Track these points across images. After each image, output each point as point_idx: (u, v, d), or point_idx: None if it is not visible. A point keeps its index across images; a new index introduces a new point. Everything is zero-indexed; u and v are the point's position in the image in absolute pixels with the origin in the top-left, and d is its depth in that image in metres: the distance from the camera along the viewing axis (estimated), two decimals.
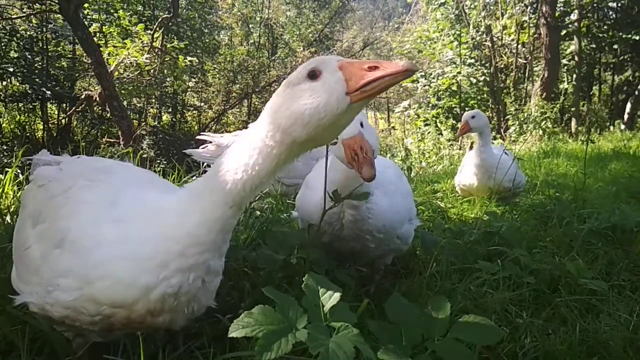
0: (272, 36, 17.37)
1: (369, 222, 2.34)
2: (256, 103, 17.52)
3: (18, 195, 3.75)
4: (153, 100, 14.65)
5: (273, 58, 16.89)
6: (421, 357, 1.45)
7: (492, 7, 11.73)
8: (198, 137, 4.56)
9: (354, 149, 2.06)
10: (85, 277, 1.49)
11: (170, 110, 16.54)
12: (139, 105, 12.78)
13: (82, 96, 8.04)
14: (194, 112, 17.52)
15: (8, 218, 3.22)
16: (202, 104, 16.97)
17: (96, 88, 13.81)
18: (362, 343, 1.38)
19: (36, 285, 1.56)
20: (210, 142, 4.41)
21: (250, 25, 17.22)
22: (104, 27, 13.33)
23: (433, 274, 2.60)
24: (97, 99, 6.46)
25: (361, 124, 2.15)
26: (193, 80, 15.57)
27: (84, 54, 14.43)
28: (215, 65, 15.69)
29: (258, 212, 3.56)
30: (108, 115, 12.80)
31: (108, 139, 7.19)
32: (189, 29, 14.95)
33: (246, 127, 4.78)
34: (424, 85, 12.17)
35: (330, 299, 1.49)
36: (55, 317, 1.55)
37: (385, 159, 2.82)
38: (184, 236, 1.45)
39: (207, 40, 15.71)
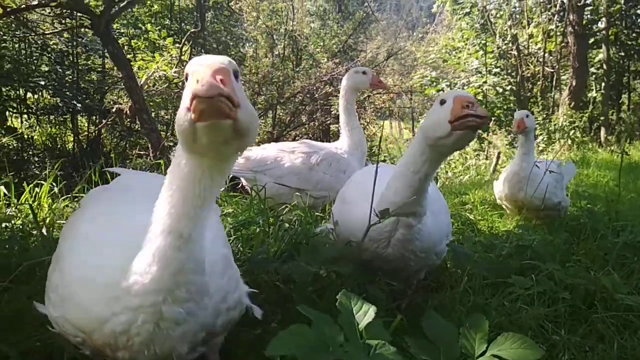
0: (296, 48, 17.48)
1: (416, 243, 2.33)
2: (280, 114, 17.61)
3: (53, 207, 3.84)
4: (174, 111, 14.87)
5: (297, 69, 16.98)
6: None
7: (518, 16, 11.63)
8: None
9: (468, 102, 1.97)
10: (61, 296, 1.54)
11: None
12: (166, 117, 13.00)
13: (113, 109, 8.20)
14: None
15: (44, 230, 3.29)
16: None
17: (125, 101, 14.08)
18: None
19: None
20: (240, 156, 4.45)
21: (275, 37, 17.36)
22: (132, 40, 13.61)
23: (465, 289, 2.58)
24: (128, 111, 6.59)
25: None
26: None
27: (114, 68, 14.77)
28: (240, 77, 15.84)
29: (287, 225, 3.57)
30: (137, 127, 13.05)
31: (138, 152, 7.32)
32: (214, 42, 15.14)
33: (272, 138, 4.84)
34: None
35: (365, 316, 1.50)
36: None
37: None
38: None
39: (232, 53, 15.90)
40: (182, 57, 7.76)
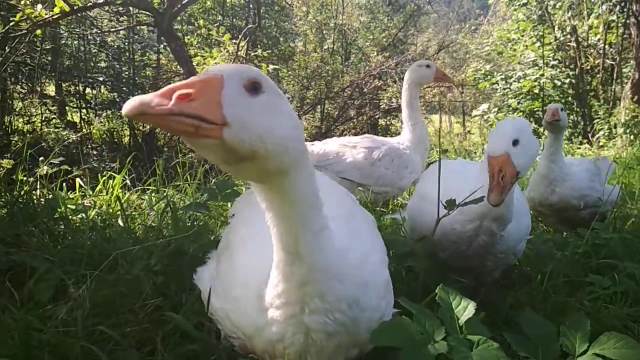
0: (345, 42, 17.45)
1: (497, 247, 2.32)
2: (329, 109, 17.62)
3: (126, 198, 4.00)
4: None
5: (346, 64, 16.96)
6: None
7: (577, 7, 11.25)
8: None
9: (494, 169, 2.04)
10: (225, 291, 1.59)
11: None
12: None
13: None
14: None
15: (120, 221, 3.44)
16: None
17: None
18: (504, 357, 1.38)
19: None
20: None
21: (324, 32, 17.38)
22: (185, 37, 13.91)
23: (541, 287, 2.54)
24: None
25: (515, 142, 2.09)
26: None
27: (168, 63, 15.18)
28: (290, 72, 15.99)
29: None
30: None
31: None
32: (264, 37, 15.30)
33: (320, 133, 4.87)
34: (504, 88, 11.84)
35: (464, 311, 1.51)
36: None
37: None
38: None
39: (282, 48, 16.03)
40: (239, 53, 7.89)
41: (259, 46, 12.13)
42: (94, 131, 16.13)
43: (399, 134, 4.70)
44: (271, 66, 9.27)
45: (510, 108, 11.71)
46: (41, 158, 4.31)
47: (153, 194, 4.26)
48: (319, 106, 16.99)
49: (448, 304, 1.50)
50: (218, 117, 1.06)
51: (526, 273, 2.99)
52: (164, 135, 16.04)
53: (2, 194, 3.71)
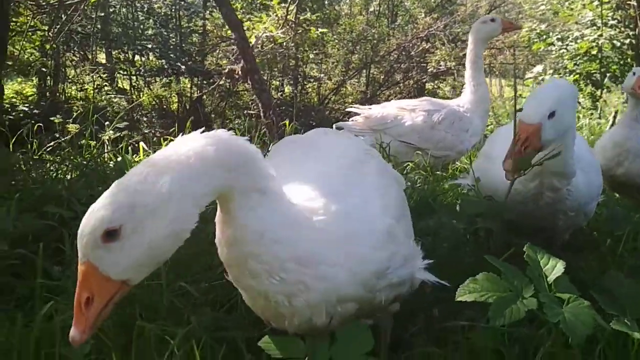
0: (392, 3, 17.06)
1: (566, 203, 2.29)
2: (374, 73, 17.39)
3: None
4: (275, 73, 15.08)
5: (393, 26, 16.62)
6: None
7: None
8: (348, 109, 4.67)
9: (521, 136, 2.00)
10: None
11: (291, 82, 16.98)
12: (279, 77, 13.35)
13: (225, 70, 8.50)
14: (314, 83, 17.82)
15: None
16: (322, 75, 17.18)
17: (224, 62, 14.47)
18: (596, 314, 1.38)
19: None
20: (359, 115, 4.50)
21: None
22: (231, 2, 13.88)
23: (617, 251, 2.50)
24: (239, 72, 6.82)
25: (552, 114, 2.04)
26: (314, 51, 15.81)
27: (214, 30, 15.22)
28: (335, 36, 15.80)
29: (408, 183, 3.61)
30: (235, 89, 13.43)
31: (248, 111, 7.58)
32: (309, 1, 15.11)
33: (365, 98, 4.84)
34: (560, 49, 11.37)
35: (553, 270, 1.51)
36: None
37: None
38: None
39: (327, 11, 15.81)
40: (288, 17, 7.85)
41: (305, 10, 11.98)
42: (143, 98, 16.48)
43: (448, 98, 4.66)
44: (320, 30, 9.18)
45: (567, 70, 11.27)
46: (107, 123, 4.46)
47: None
48: (364, 70, 16.79)
49: (536, 262, 1.50)
50: (112, 294, 1.25)
51: (595, 238, 2.95)
52: (211, 102, 16.26)
53: (73, 157, 3.87)
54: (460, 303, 2.07)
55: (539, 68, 11.71)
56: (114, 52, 15.75)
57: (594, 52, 10.85)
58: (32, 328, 1.82)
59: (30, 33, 8.40)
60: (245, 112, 8.05)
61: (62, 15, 7.36)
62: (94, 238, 1.19)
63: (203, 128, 1.39)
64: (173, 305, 2.09)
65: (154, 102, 16.34)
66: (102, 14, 14.19)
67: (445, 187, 3.59)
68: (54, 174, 3.43)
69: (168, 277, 2.20)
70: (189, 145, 1.29)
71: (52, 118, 4.70)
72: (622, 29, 10.84)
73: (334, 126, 4.50)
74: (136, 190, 1.21)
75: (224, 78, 8.80)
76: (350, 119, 4.53)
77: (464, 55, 14.92)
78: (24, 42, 8.57)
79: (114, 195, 1.22)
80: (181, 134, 1.43)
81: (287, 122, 4.52)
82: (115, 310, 1.95)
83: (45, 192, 3.03)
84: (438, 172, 4.20)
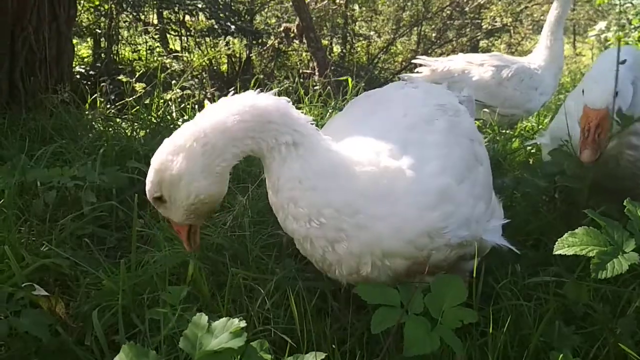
0: None
1: None
2: (426, 30, 16.93)
3: None
4: (325, 32, 14.90)
5: None
6: None
7: None
8: (413, 60, 4.60)
9: (590, 123, 1.93)
10: None
11: (340, 41, 16.76)
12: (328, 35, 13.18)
13: (281, 28, 8.47)
14: (363, 42, 17.55)
15: None
16: (372, 33, 16.86)
17: (273, 22, 14.40)
18: None
19: None
20: (425, 67, 4.43)
21: None
22: None
23: None
24: (295, 30, 6.76)
25: (617, 93, 1.97)
26: (363, 8, 15.51)
27: None
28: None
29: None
30: (284, 48, 13.37)
31: (304, 70, 7.57)
32: None
33: (415, 57, 4.73)
34: (624, 4, 10.76)
35: None
36: None
37: None
38: None
39: None
40: None
41: None
42: (194, 58, 16.63)
43: None
44: None
45: (633, 27, 10.66)
46: (174, 82, 4.55)
47: None
48: (415, 28, 16.38)
49: (637, 216, 1.48)
50: (187, 231, 1.70)
51: None
52: (260, 63, 16.29)
53: (143, 115, 3.99)
54: (542, 259, 2.08)
55: (601, 25, 11.11)
56: (164, 13, 15.87)
57: None
58: (131, 274, 1.94)
59: None
60: (300, 71, 8.03)
61: None
62: (152, 201, 1.62)
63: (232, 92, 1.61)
64: (258, 256, 2.17)
65: (204, 64, 16.48)
66: None
67: (514, 146, 3.52)
68: (129, 132, 3.55)
69: (251, 229, 2.28)
70: (210, 118, 1.51)
71: (118, 77, 4.81)
72: None
73: (399, 78, 4.45)
74: (158, 170, 1.54)
75: (276, 37, 8.76)
76: (415, 71, 4.47)
77: (521, 11, 14.26)
78: (85, 2, 8.73)
79: (149, 172, 1.58)
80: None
81: (349, 79, 4.49)
82: (205, 259, 2.05)
83: (124, 148, 3.15)
84: (506, 131, 4.12)
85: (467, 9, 14.61)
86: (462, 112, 1.90)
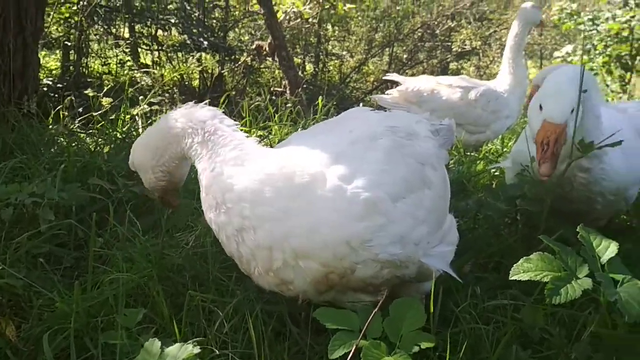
0: None
1: (602, 184, 2.27)
2: (398, 52, 17.19)
3: None
4: (297, 50, 14.98)
5: (417, 3, 16.38)
6: None
7: None
8: (385, 77, 4.68)
9: (549, 137, 1.98)
10: None
11: (313, 59, 16.89)
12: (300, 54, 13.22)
13: (253, 45, 8.48)
14: (336, 61, 17.72)
15: None
16: (345, 52, 17.04)
17: (246, 39, 14.43)
18: None
19: None
20: (396, 84, 4.51)
21: None
22: None
23: None
24: (266, 48, 6.79)
25: (573, 110, 2.03)
26: (338, 28, 15.67)
27: (238, 5, 15.14)
28: (358, 13, 15.64)
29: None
30: (257, 65, 13.37)
31: (275, 88, 7.58)
32: None
33: (387, 75, 4.82)
34: (589, 30, 11.13)
35: (606, 251, 1.51)
36: None
37: (624, 110, 2.67)
38: None
39: None
40: None
41: None
42: (165, 73, 16.49)
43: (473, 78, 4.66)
44: (347, 5, 9.10)
45: (597, 52, 11.03)
46: (141, 97, 4.49)
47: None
48: (387, 49, 16.62)
49: (589, 242, 1.51)
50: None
51: (633, 226, 2.94)
52: (232, 79, 16.27)
53: (109, 131, 3.92)
54: (502, 282, 2.10)
55: (568, 48, 11.49)
56: (137, 27, 15.75)
57: (625, 33, 10.62)
58: (87, 296, 1.88)
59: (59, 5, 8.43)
60: (272, 89, 8.05)
61: None
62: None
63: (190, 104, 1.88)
64: (218, 277, 2.13)
65: (175, 78, 16.36)
66: None
67: (479, 168, 3.58)
68: (93, 148, 3.49)
69: (212, 249, 2.25)
70: (158, 124, 1.94)
71: (85, 91, 4.72)
72: None
73: (370, 97, 4.51)
74: (131, 153, 2.02)
75: (248, 54, 8.78)
76: (387, 92, 4.53)
77: (490, 35, 14.59)
78: (54, 14, 8.60)
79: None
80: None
81: (320, 99, 4.51)
82: (165, 279, 2.01)
83: (86, 164, 3.09)
84: (471, 153, 4.19)
85: (437, 31, 14.92)
86: (419, 137, 1.90)
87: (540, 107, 2.06)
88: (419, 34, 15.32)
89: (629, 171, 2.39)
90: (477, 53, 14.84)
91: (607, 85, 10.25)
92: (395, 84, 4.69)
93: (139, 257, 2.14)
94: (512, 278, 1.47)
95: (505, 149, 4.56)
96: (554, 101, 2.03)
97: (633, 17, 10.32)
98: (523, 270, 1.46)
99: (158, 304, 1.87)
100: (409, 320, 1.52)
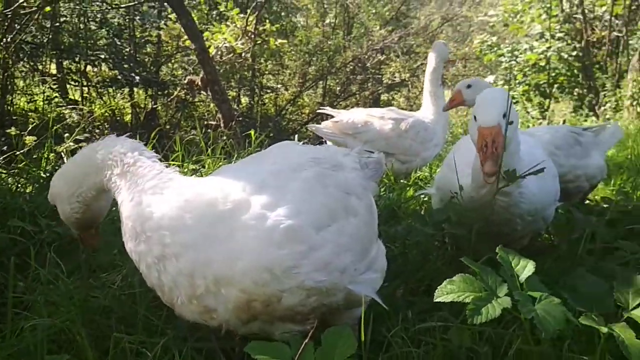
0: (347, 16, 17.32)
1: (521, 207, 2.38)
2: (331, 84, 17.57)
3: None
4: (232, 84, 15.01)
5: (348, 38, 16.87)
6: (617, 325, 1.51)
7: None
8: (318, 110, 4.77)
9: (486, 140, 2.10)
10: None
11: (248, 93, 16.97)
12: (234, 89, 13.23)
13: (185, 80, 8.44)
14: (271, 94, 17.88)
15: None
16: (279, 85, 17.24)
17: (179, 73, 14.33)
18: (566, 311, 1.46)
19: None
20: (331, 119, 4.62)
21: (326, 6, 17.25)
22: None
23: (577, 252, 2.62)
24: (199, 83, 6.78)
25: (504, 114, 2.17)
26: (272, 62, 15.85)
27: (170, 40, 15.05)
28: (291, 48, 15.91)
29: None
30: (191, 99, 13.28)
31: (209, 122, 7.55)
32: (266, 12, 15.15)
33: (320, 109, 4.97)
34: (509, 61, 11.83)
35: (524, 270, 1.58)
36: None
37: (532, 134, 2.83)
38: None
39: (284, 23, 15.89)
40: (248, 28, 7.88)
41: (267, 20, 12.02)
42: (95, 109, 16.05)
43: (403, 109, 4.89)
44: (279, 40, 9.24)
45: (517, 81, 11.72)
46: (67, 134, 4.35)
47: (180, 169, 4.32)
48: (320, 82, 16.93)
49: (508, 262, 1.58)
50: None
51: (553, 244, 3.08)
52: (166, 113, 16.04)
53: (32, 170, 3.76)
54: (432, 305, 2.15)
55: (490, 79, 12.14)
56: (65, 63, 15.31)
57: (542, 63, 11.35)
58: (6, 344, 1.78)
59: None
60: (206, 122, 8.02)
61: (16, 25, 7.13)
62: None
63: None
64: (147, 317, 2.07)
65: (107, 114, 15.96)
66: (57, 24, 13.77)
67: (409, 195, 3.68)
68: (14, 188, 3.33)
69: (141, 289, 2.18)
70: (76, 156, 1.92)
71: (7, 130, 4.54)
72: (569, 41, 11.41)
73: (307, 129, 4.58)
74: (51, 186, 1.94)
75: (182, 89, 8.73)
76: (323, 123, 4.64)
77: (418, 67, 15.19)
78: None
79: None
80: None
81: (252, 132, 4.53)
82: (91, 323, 1.93)
83: (6, 205, 2.94)
84: (401, 181, 4.31)
85: (368, 64, 15.38)
86: (345, 168, 1.94)
87: (475, 119, 2.18)
88: (351, 67, 15.75)
89: (544, 192, 2.53)
90: (406, 85, 15.38)
91: (528, 112, 10.90)
92: (329, 116, 4.80)
93: (62, 301, 2.05)
94: (437, 300, 1.51)
95: (433, 175, 4.73)
96: (484, 109, 2.17)
97: (549, 47, 11.07)
98: (446, 292, 1.51)
99: (83, 349, 1.78)
100: (340, 349, 1.52)
